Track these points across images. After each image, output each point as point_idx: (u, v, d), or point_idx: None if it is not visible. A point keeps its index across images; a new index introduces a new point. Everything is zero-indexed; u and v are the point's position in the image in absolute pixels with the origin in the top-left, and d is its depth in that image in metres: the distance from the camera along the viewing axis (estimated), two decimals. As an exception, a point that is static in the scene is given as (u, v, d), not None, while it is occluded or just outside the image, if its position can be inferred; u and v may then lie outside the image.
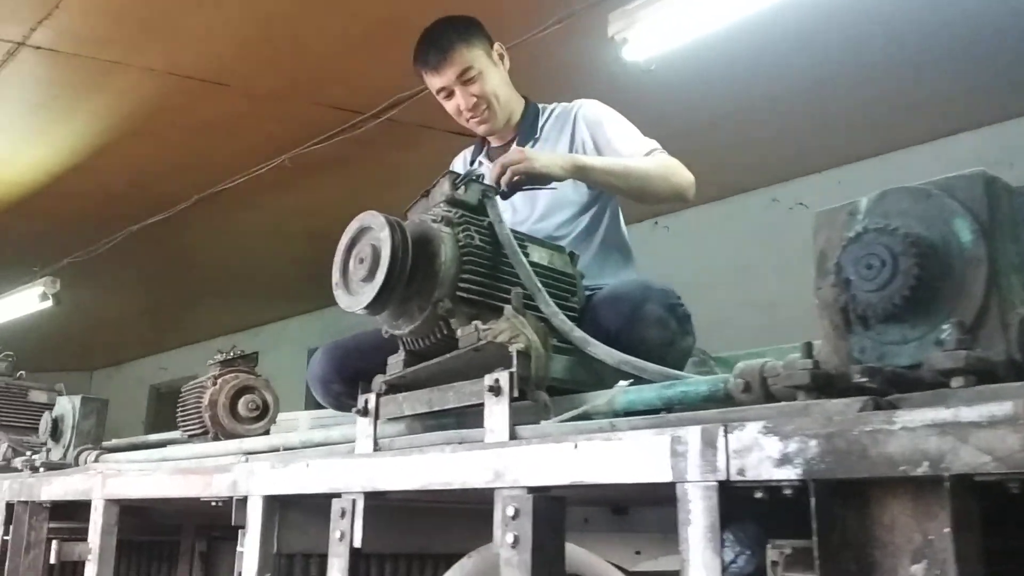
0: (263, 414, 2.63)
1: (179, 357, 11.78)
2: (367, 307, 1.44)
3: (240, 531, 1.81)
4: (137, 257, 6.80)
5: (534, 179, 1.70)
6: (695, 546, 1.03)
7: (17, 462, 3.12)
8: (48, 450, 2.79)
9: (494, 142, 2.13)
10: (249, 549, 1.77)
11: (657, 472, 1.07)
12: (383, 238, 1.42)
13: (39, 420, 3.38)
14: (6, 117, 4.49)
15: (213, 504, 1.94)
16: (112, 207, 5.57)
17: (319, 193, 5.76)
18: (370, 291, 1.43)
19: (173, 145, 4.82)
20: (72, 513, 2.86)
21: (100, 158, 4.91)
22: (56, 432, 2.81)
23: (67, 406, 2.83)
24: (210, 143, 4.80)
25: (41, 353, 8.47)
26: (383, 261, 1.41)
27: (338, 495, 1.56)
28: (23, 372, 3.43)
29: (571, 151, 1.98)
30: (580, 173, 1.77)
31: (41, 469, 2.74)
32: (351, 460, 1.56)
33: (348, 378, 1.70)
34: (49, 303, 5.62)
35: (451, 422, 1.57)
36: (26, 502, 2.68)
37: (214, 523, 3.28)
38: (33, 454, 2.87)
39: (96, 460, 2.71)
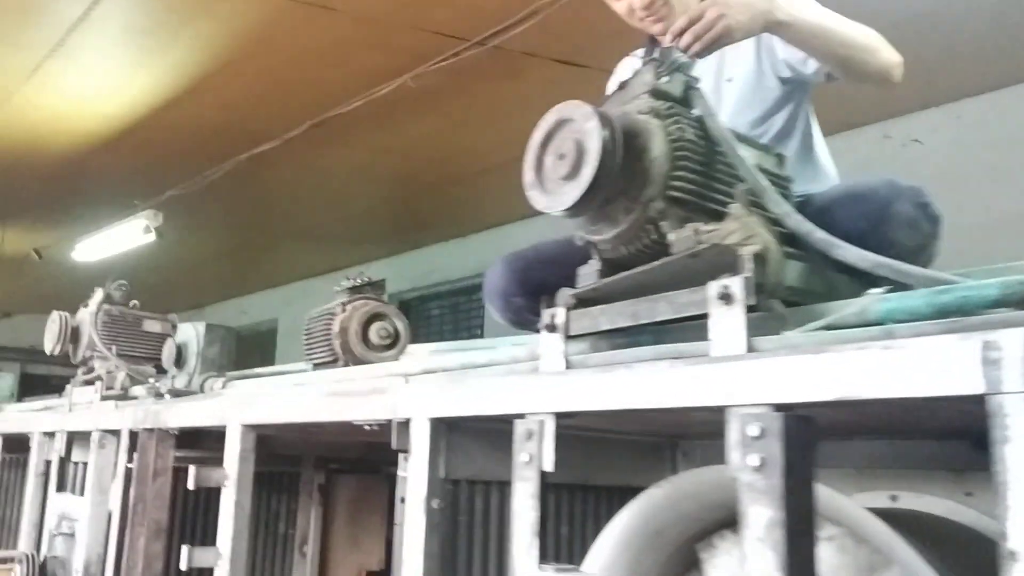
0: (394, 342, 2.54)
1: (258, 301, 11.90)
2: (570, 208, 1.30)
3: (401, 455, 1.72)
4: (224, 197, 6.78)
5: (728, 38, 1.52)
6: (1018, 465, 0.88)
7: (137, 390, 3.10)
8: (173, 377, 2.74)
9: (666, 42, 1.96)
10: (414, 474, 1.67)
11: (961, 383, 0.92)
12: (590, 130, 1.28)
13: (154, 350, 3.35)
14: (109, 46, 4.43)
15: (367, 428, 1.85)
16: (207, 143, 5.52)
17: (411, 131, 5.63)
18: (574, 190, 1.29)
19: (273, 75, 4.72)
20: (196, 442, 2.82)
21: (198, 91, 4.83)
22: (180, 359, 2.76)
23: (191, 333, 2.77)
24: (310, 73, 4.68)
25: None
26: (590, 156, 1.27)
27: (522, 416, 1.45)
28: (136, 302, 3.39)
29: (757, 48, 1.80)
30: (777, 28, 1.58)
31: (166, 396, 2.70)
32: (539, 379, 1.44)
33: (530, 291, 1.56)
34: (152, 237, 5.61)
35: (647, 339, 1.43)
36: (151, 429, 2.63)
37: (333, 455, 3.23)
38: (156, 381, 2.83)
39: (223, 387, 2.65)
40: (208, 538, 2.98)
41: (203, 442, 2.92)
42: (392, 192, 7.02)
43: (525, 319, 1.64)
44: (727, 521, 1.58)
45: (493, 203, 7.54)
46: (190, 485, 2.17)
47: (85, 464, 3.49)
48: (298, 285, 11.64)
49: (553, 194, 1.33)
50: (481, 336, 8.15)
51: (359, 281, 2.63)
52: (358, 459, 3.31)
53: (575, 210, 1.31)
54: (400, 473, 1.71)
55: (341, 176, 6.49)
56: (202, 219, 7.49)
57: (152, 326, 3.33)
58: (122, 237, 5.92)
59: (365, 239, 8.66)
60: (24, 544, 3.53)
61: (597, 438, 1.85)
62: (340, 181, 6.60)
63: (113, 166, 5.88)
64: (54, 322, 3.26)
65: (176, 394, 2.69)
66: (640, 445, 1.99)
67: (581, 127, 1.30)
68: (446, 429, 1.67)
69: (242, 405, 2.21)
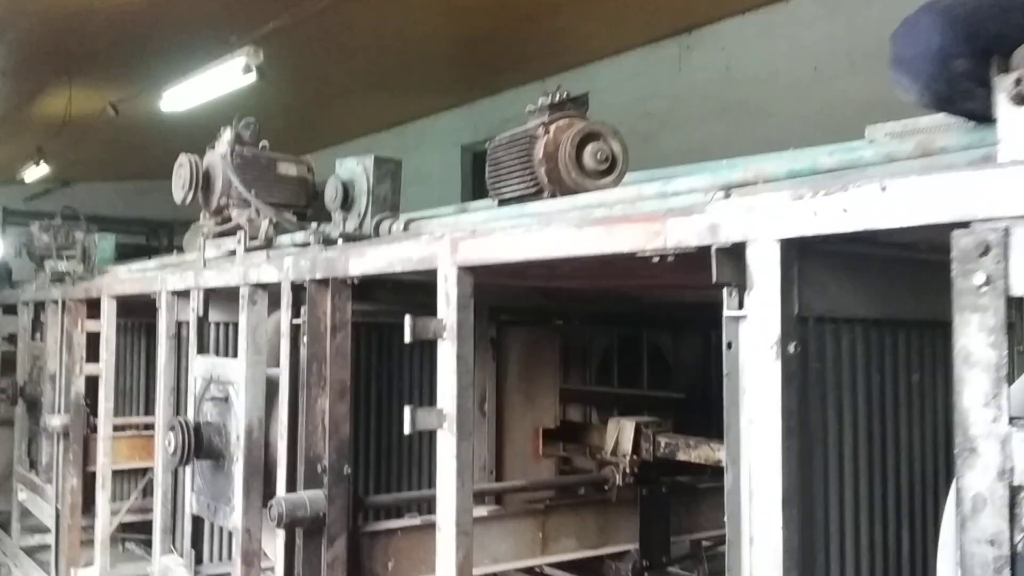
0: (612, 166, 2.14)
1: (325, 159, 11.47)
2: None
3: (726, 291, 1.35)
4: (298, 43, 6.28)
5: None
6: None
7: (286, 238, 2.76)
8: (344, 220, 2.38)
9: None
10: (758, 312, 1.30)
11: None
12: None
13: (292, 195, 3.00)
14: None
15: (655, 259, 1.48)
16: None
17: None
18: None
19: None
20: (364, 293, 2.49)
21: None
22: (347, 200, 2.39)
23: (356, 169, 2.39)
24: None
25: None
26: None
27: (967, 225, 1.06)
28: (266, 143, 3.01)
29: None
30: None
31: (339, 242, 2.35)
32: (1001, 172, 1.04)
33: (981, 50, 1.12)
34: (252, 77, 5.16)
35: None
36: (323, 280, 2.30)
37: (503, 305, 2.90)
38: (319, 226, 2.48)
39: (405, 228, 2.29)
40: (394, 400, 2.70)
41: (373, 293, 2.60)
42: (470, 28, 6.47)
43: (963, 92, 1.18)
44: None
45: (576, 38, 6.96)
46: (407, 339, 1.83)
47: (222, 324, 3.20)
48: (362, 141, 11.19)
49: None
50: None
51: (559, 97, 2.21)
52: (528, 309, 2.98)
53: None
54: (729, 312, 1.35)
55: (419, 9, 5.94)
56: (271, 70, 7.02)
57: (287, 168, 2.96)
58: (216, 80, 5.45)
59: (435, 87, 8.16)
60: (163, 411, 3.30)
61: (896, 261, 1.45)
62: (418, 14, 6.05)
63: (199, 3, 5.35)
64: (182, 166, 2.89)
65: (348, 238, 2.34)
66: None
67: None
68: (797, 254, 1.30)
69: (453, 244, 1.84)
